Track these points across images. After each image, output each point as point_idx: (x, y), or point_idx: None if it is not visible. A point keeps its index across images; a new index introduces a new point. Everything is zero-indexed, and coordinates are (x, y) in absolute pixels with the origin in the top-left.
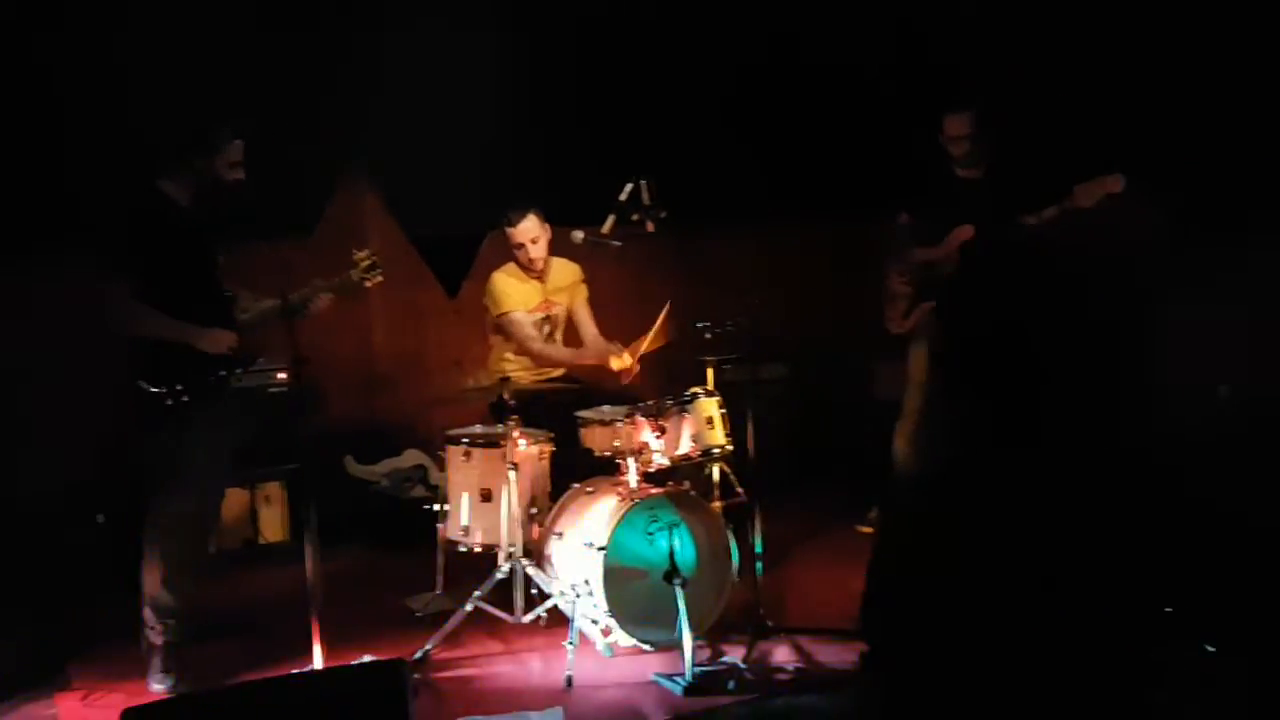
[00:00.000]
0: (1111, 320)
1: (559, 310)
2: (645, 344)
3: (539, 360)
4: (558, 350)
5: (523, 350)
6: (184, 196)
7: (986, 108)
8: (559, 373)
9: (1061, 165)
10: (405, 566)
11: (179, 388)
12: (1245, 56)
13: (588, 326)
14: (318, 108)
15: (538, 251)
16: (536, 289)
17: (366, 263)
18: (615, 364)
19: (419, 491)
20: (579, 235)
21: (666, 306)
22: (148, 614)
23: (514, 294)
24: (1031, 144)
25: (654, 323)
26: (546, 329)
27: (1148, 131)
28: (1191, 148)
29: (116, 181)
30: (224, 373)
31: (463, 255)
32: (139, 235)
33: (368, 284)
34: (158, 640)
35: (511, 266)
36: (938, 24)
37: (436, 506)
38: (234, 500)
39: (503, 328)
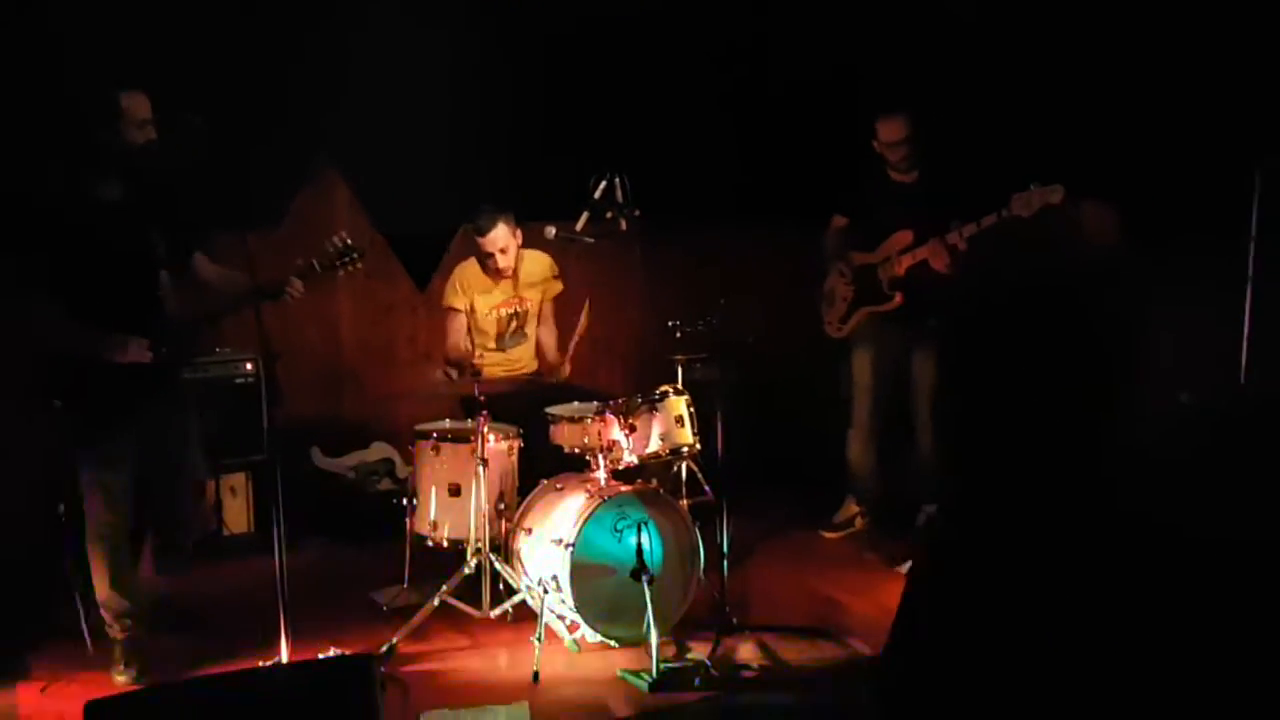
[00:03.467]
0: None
1: (530, 305)
2: (574, 342)
3: (450, 360)
4: (465, 355)
5: (448, 347)
6: (106, 185)
7: (920, 113)
8: (530, 368)
9: (1000, 172)
10: (371, 560)
11: (88, 406)
12: (1185, 69)
13: (547, 329)
14: (287, 100)
15: (505, 261)
16: (506, 285)
17: (342, 247)
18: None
19: (386, 485)
20: (551, 230)
21: (586, 305)
22: (104, 613)
23: (470, 290)
24: (969, 150)
25: (580, 320)
26: (514, 324)
27: (1087, 141)
28: (1128, 158)
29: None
30: (131, 384)
31: (433, 249)
32: (36, 235)
33: (342, 271)
34: (118, 635)
35: (476, 262)
36: (880, 28)
37: (405, 500)
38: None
39: (443, 320)
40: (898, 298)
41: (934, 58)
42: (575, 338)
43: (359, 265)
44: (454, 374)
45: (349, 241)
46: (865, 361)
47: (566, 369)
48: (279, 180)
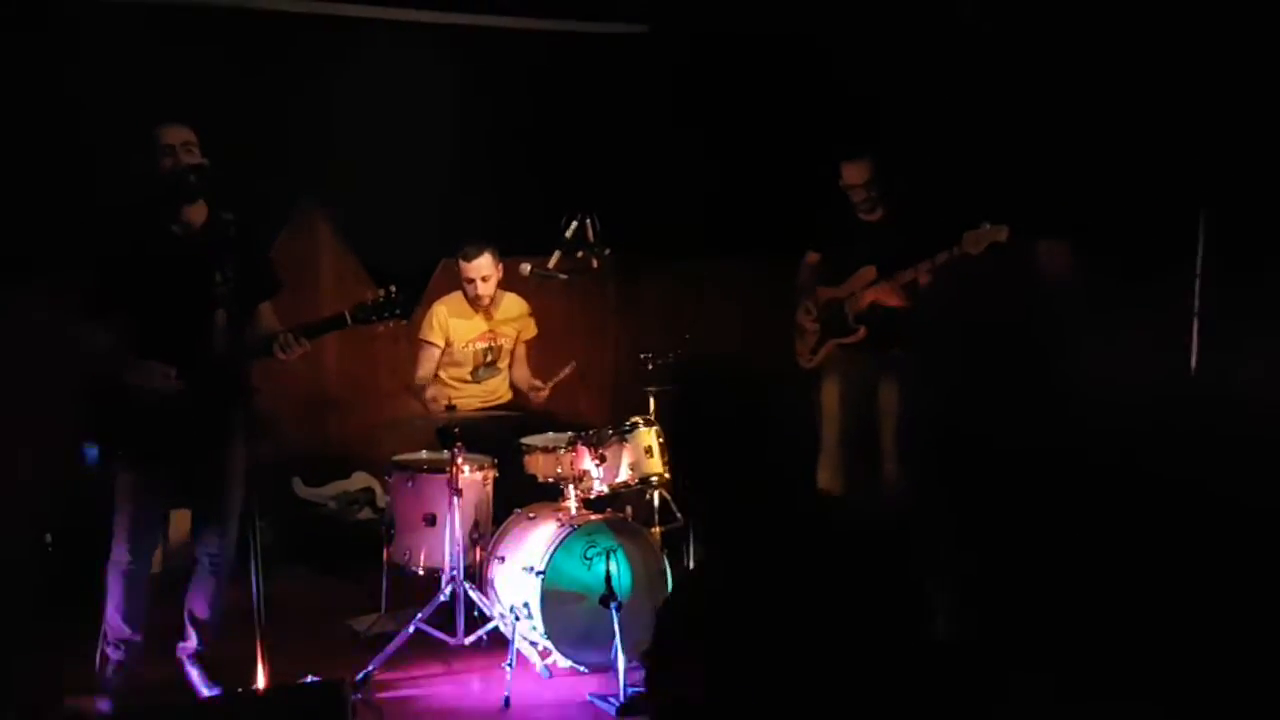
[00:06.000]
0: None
1: (505, 341)
2: (554, 380)
3: (419, 392)
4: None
5: (418, 377)
6: (169, 215)
7: (883, 155)
8: (505, 398)
9: (961, 212)
10: (350, 588)
11: (113, 447)
12: (1137, 115)
13: (520, 365)
14: (271, 137)
15: (486, 289)
16: (481, 319)
17: (384, 300)
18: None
19: (366, 514)
20: (526, 268)
21: (572, 365)
22: (107, 631)
23: (446, 325)
24: (931, 189)
25: (565, 369)
26: (489, 357)
27: (1042, 180)
28: (1083, 196)
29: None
30: (170, 415)
31: (415, 283)
32: (105, 259)
33: (381, 326)
34: (113, 656)
35: (456, 297)
36: (844, 66)
37: (384, 529)
38: (182, 521)
39: (417, 351)
40: (861, 331)
41: (898, 98)
42: (558, 376)
43: (401, 321)
44: (441, 400)
45: (395, 294)
46: (833, 391)
47: (545, 393)
48: (262, 219)
